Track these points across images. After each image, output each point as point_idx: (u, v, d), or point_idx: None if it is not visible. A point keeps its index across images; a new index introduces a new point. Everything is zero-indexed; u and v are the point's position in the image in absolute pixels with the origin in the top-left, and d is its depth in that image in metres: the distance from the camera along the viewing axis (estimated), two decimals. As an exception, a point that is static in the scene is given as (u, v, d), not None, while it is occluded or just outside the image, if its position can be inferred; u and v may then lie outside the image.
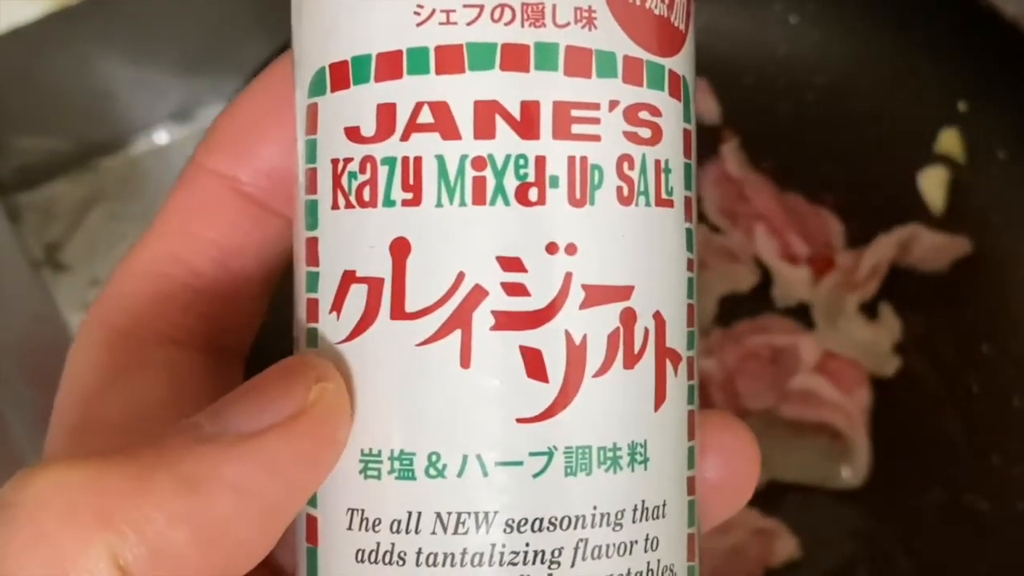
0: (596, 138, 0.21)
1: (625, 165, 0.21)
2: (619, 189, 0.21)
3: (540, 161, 0.20)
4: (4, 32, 0.52)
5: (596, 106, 0.21)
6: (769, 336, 0.52)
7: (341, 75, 0.21)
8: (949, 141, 0.57)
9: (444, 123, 0.20)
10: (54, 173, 0.59)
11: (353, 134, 0.21)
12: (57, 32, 0.54)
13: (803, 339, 0.52)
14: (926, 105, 0.58)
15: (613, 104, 0.21)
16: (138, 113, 0.59)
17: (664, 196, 0.22)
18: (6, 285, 0.55)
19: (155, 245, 0.23)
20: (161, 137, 0.60)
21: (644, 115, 0.21)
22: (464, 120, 0.20)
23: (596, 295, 0.21)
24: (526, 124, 0.20)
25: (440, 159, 0.20)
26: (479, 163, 0.20)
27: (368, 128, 0.21)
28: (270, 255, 0.24)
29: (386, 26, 0.21)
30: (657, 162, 0.22)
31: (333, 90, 0.21)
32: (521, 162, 0.20)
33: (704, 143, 0.56)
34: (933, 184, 0.57)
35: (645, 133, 0.21)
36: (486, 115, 0.20)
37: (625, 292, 0.21)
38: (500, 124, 0.20)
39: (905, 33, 0.58)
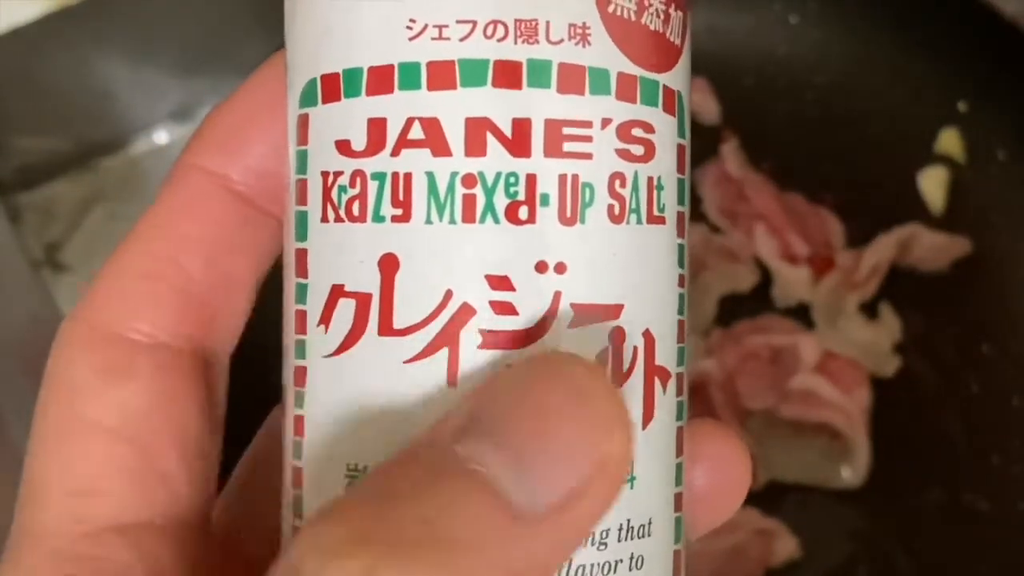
0: (588, 156, 0.21)
1: (617, 183, 0.21)
2: (610, 207, 0.21)
3: (531, 179, 0.20)
4: (4, 32, 0.52)
5: (588, 124, 0.21)
6: (769, 336, 0.52)
7: (332, 87, 0.21)
8: (949, 141, 0.57)
9: (435, 139, 0.20)
10: (54, 173, 0.59)
11: (343, 147, 0.21)
12: (57, 32, 0.54)
13: (803, 339, 0.52)
14: (926, 105, 0.58)
15: (606, 122, 0.21)
16: (138, 113, 0.59)
17: (656, 213, 0.22)
18: (6, 285, 0.55)
19: (143, 244, 0.23)
20: (161, 137, 0.60)
21: (637, 132, 0.21)
22: (455, 137, 0.20)
23: (585, 314, 0.21)
24: (517, 142, 0.20)
25: (430, 176, 0.20)
26: (469, 180, 0.20)
27: (358, 142, 0.21)
28: (259, 255, 0.24)
29: (378, 40, 0.20)
30: (650, 179, 0.21)
31: (324, 102, 0.21)
32: (511, 180, 0.20)
33: (704, 143, 0.57)
34: (933, 184, 0.57)
35: (638, 150, 0.21)
36: (477, 132, 0.20)
37: (615, 311, 0.21)
38: (491, 141, 0.20)
39: (905, 33, 0.58)
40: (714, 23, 0.60)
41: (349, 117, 0.21)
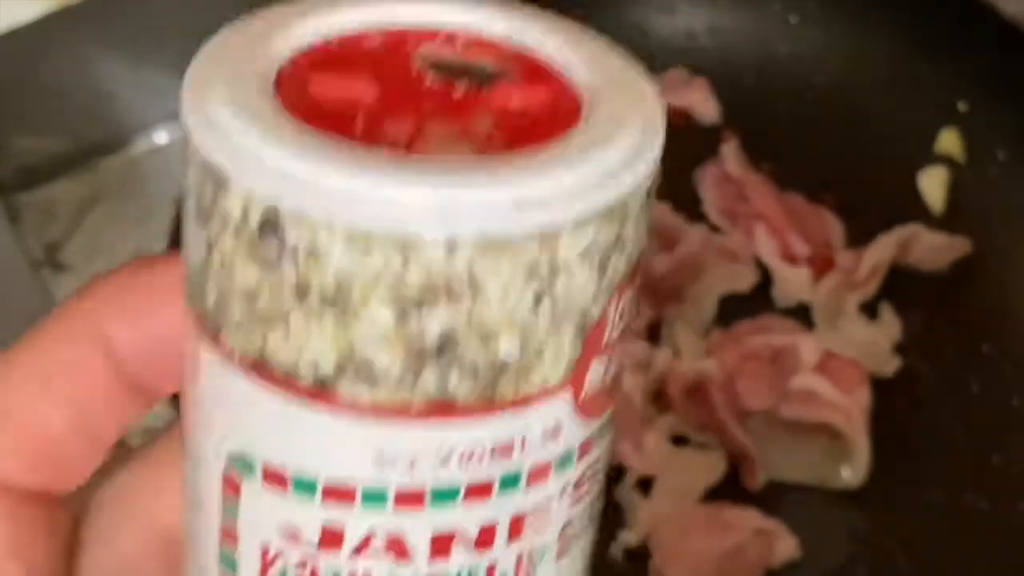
0: (546, 525, 0.20)
1: (567, 529, 0.21)
2: (559, 552, 0.21)
3: (491, 567, 0.20)
4: (4, 32, 0.53)
5: (550, 501, 0.20)
6: (769, 336, 0.52)
7: (278, 478, 0.19)
8: (949, 141, 0.57)
9: (398, 548, 0.19)
10: (54, 173, 0.59)
11: (292, 535, 0.20)
12: (57, 32, 0.54)
13: (803, 339, 0.52)
14: (926, 105, 0.58)
15: (564, 489, 0.20)
16: (138, 113, 0.59)
17: (590, 520, 0.22)
18: (6, 285, 0.55)
19: (8, 389, 0.22)
20: (161, 137, 0.60)
21: (588, 476, 0.21)
22: (420, 547, 0.20)
23: None
24: (482, 541, 0.20)
25: None
26: None
27: (311, 537, 0.19)
28: (125, 422, 0.23)
29: (340, 458, 0.19)
30: (588, 510, 0.21)
31: (266, 483, 0.19)
32: (473, 571, 0.20)
33: (704, 143, 0.57)
34: (933, 184, 0.57)
35: (585, 491, 0.21)
36: (444, 541, 0.20)
37: None
38: (457, 546, 0.20)
39: (905, 33, 0.58)
40: (714, 23, 0.59)
41: (300, 512, 0.19)
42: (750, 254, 0.54)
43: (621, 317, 0.20)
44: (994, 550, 0.50)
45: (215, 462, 0.20)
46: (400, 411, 0.18)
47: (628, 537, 0.48)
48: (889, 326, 0.54)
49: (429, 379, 0.18)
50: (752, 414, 0.51)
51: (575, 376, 0.19)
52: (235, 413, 0.19)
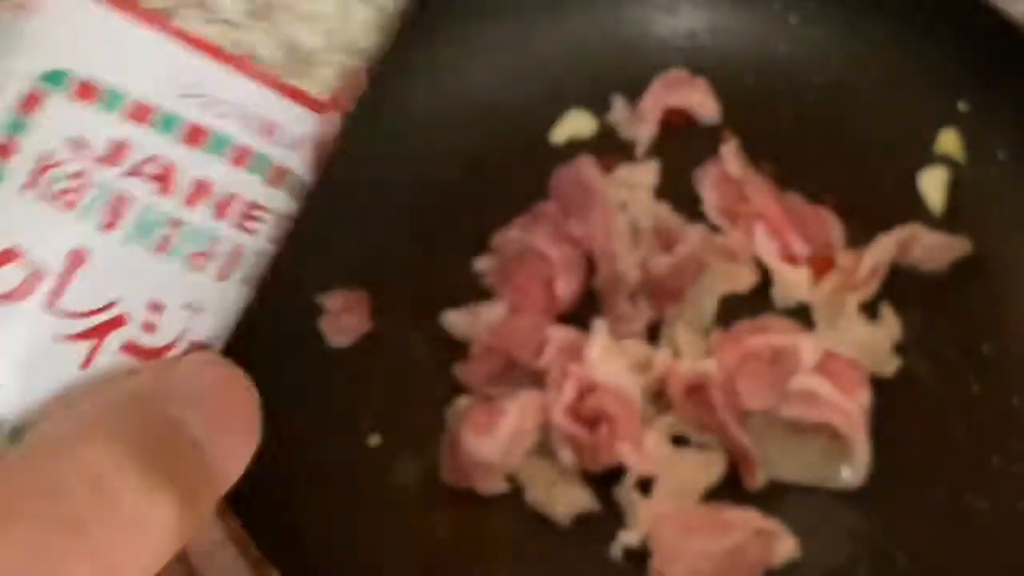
0: (254, 231, 0.24)
1: (245, 247, 0.24)
2: (252, 266, 0.24)
3: (216, 238, 0.23)
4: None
5: (263, 208, 0.24)
6: (769, 336, 0.52)
7: (89, 91, 0.22)
8: (949, 141, 0.57)
9: (165, 181, 0.23)
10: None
11: (78, 147, 0.22)
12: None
13: (803, 339, 0.52)
14: (926, 105, 0.58)
15: (278, 219, 0.24)
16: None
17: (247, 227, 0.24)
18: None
19: None
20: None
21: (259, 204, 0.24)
22: (183, 186, 0.23)
23: (199, 349, 0.24)
24: (221, 207, 0.23)
25: (148, 208, 0.22)
26: (176, 224, 0.23)
27: (97, 150, 0.22)
28: None
29: (155, 79, 0.22)
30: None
31: (74, 96, 0.22)
32: (207, 236, 0.23)
33: (704, 143, 0.57)
34: (933, 184, 0.57)
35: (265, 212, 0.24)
36: (200, 191, 0.23)
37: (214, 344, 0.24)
38: (206, 201, 0.23)
39: (905, 33, 0.58)
40: (714, 23, 0.59)
41: (95, 125, 0.22)
42: (750, 254, 0.55)
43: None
44: (994, 550, 0.50)
45: (12, 83, 0.23)
46: (216, 51, 0.22)
47: (628, 537, 0.48)
48: (889, 326, 0.54)
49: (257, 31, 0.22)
50: (752, 414, 0.51)
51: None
52: (70, 33, 0.23)
